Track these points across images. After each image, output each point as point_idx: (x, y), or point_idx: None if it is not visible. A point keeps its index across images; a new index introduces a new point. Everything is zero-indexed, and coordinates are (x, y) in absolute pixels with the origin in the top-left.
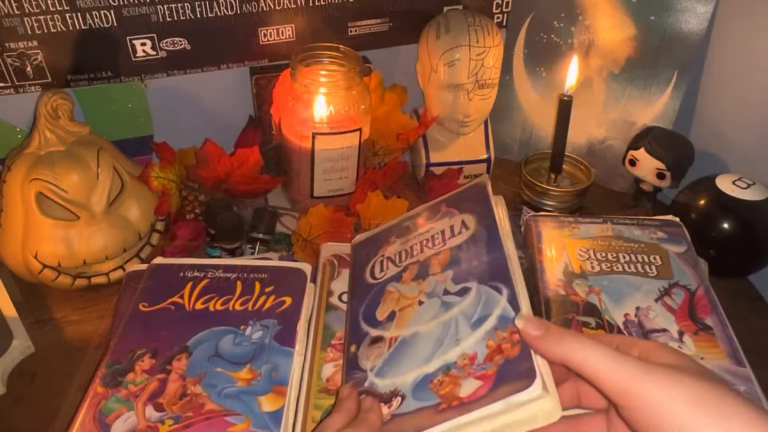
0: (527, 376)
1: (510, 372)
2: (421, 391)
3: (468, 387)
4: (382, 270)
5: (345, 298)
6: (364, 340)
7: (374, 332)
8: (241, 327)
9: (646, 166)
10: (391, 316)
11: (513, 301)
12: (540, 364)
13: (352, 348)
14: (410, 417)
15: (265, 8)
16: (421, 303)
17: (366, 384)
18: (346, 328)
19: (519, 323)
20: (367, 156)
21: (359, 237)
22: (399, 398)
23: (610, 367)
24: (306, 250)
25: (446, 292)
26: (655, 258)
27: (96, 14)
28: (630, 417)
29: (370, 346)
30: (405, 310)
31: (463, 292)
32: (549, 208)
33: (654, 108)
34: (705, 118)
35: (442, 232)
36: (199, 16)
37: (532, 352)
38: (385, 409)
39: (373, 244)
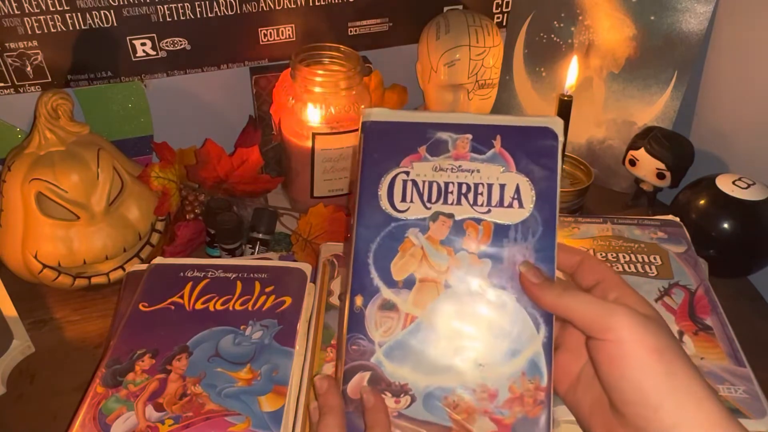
0: None
1: None
2: (433, 404)
3: (482, 426)
4: (404, 198)
5: None
6: (374, 298)
7: (387, 293)
8: (241, 327)
9: (646, 166)
10: (410, 283)
11: (548, 348)
12: None
13: (358, 300)
14: (420, 426)
15: (265, 8)
16: (447, 287)
17: (372, 359)
18: (348, 267)
19: (522, 268)
20: None
21: (372, 113)
22: (408, 397)
23: (592, 306)
24: (306, 250)
25: (479, 290)
26: (655, 258)
27: (96, 14)
28: (600, 349)
29: (381, 311)
30: (427, 284)
31: (498, 303)
32: None
33: (654, 108)
34: (705, 118)
35: (489, 188)
36: (199, 16)
37: (551, 421)
38: (392, 403)
39: (392, 141)
